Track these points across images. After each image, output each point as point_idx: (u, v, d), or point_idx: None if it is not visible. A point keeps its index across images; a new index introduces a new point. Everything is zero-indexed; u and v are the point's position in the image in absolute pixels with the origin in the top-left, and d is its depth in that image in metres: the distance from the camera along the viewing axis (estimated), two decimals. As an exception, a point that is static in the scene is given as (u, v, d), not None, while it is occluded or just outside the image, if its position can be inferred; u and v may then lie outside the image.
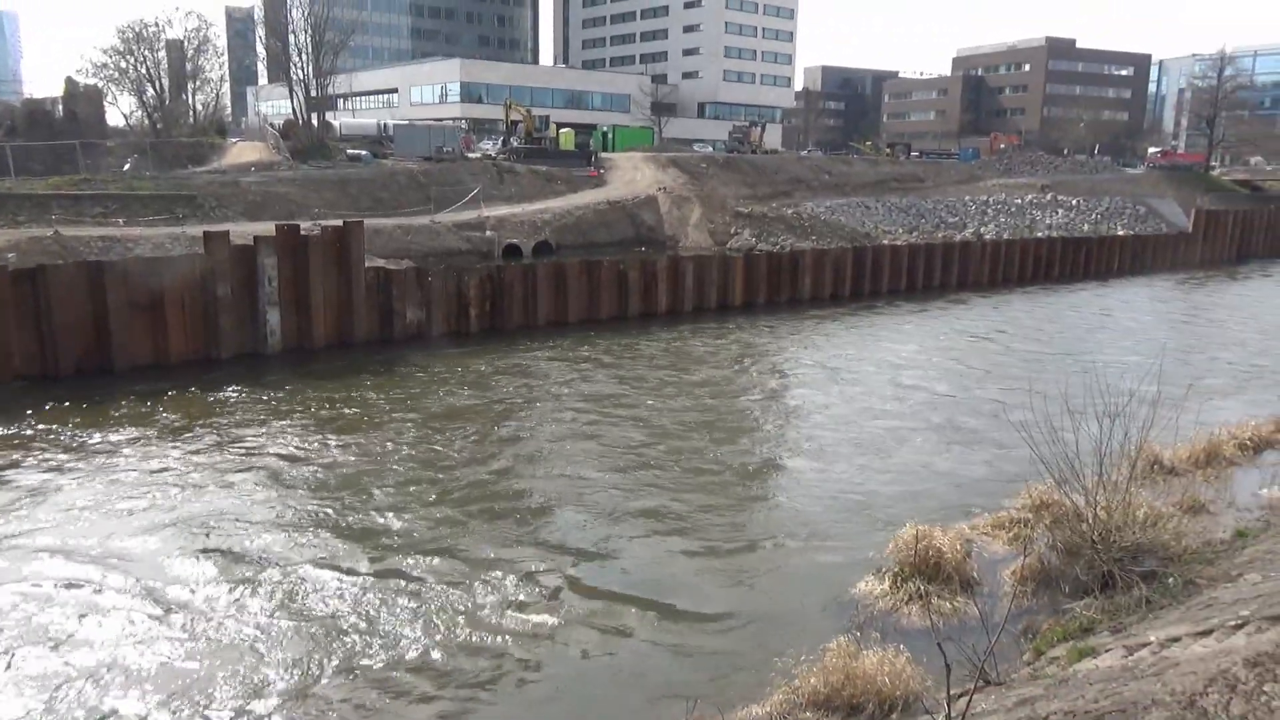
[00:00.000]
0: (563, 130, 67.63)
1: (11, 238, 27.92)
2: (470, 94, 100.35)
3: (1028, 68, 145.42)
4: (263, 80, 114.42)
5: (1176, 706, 5.24)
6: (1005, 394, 19.65)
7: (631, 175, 54.87)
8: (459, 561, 11.53)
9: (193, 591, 10.66)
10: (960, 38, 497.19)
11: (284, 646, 9.49)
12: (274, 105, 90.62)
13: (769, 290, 33.20)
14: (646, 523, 12.97)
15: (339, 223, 25.74)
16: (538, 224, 42.91)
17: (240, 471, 14.88)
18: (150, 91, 60.46)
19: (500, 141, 67.13)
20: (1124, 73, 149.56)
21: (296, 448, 16.18)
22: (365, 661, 9.23)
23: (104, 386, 19.60)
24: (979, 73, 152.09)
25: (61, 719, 8.31)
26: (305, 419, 18.07)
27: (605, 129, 78.53)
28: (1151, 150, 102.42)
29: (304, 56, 65.08)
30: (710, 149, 79.99)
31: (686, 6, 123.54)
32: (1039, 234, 52.54)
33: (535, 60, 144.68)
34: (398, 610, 10.24)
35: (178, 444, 16.22)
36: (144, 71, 59.91)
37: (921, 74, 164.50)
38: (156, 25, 61.53)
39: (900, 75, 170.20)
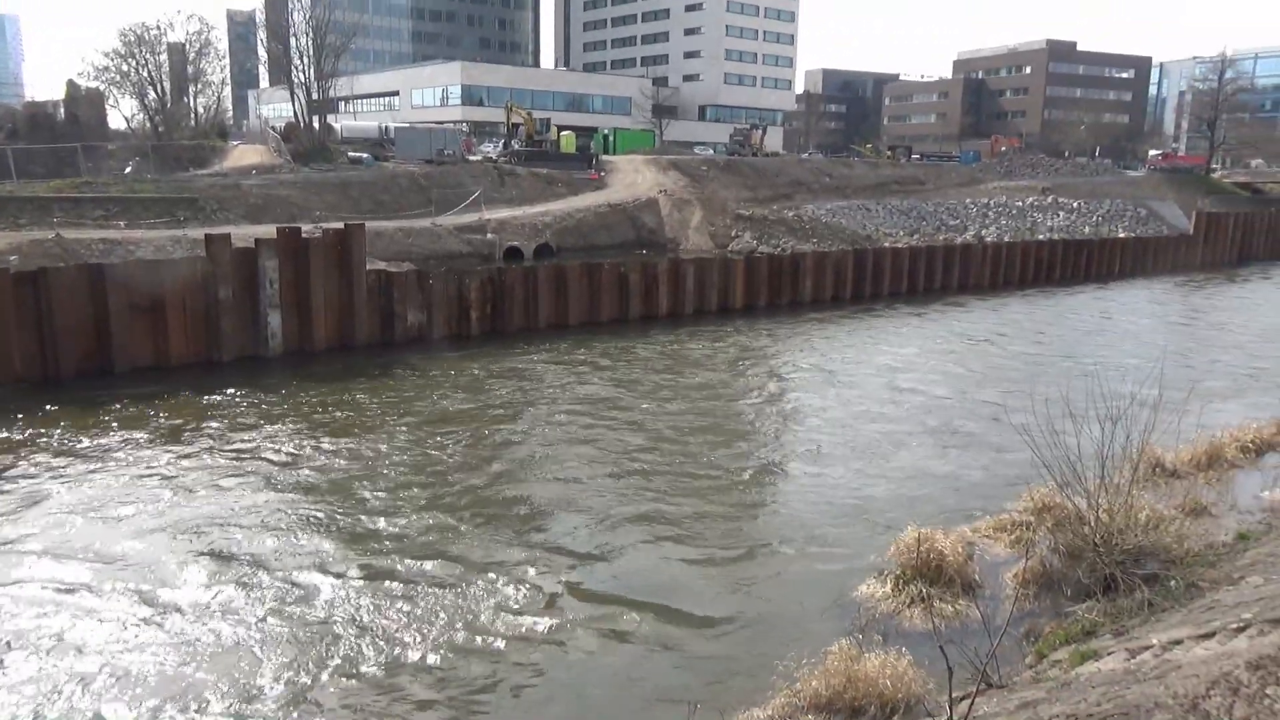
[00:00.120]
0: (564, 133, 67.62)
1: (13, 240, 27.95)
2: (471, 97, 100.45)
3: (1028, 70, 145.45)
4: (264, 83, 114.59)
5: (1179, 709, 5.23)
6: (1006, 397, 19.64)
7: (632, 178, 54.89)
8: (458, 565, 11.51)
9: (191, 595, 10.66)
10: (961, 40, 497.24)
11: (281, 651, 9.48)
12: (275, 108, 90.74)
13: (770, 293, 33.20)
14: (646, 526, 12.95)
15: (340, 225, 25.77)
16: (539, 227, 42.93)
17: (240, 474, 14.88)
18: (151, 94, 60.55)
19: (501, 144, 67.17)
20: (1125, 75, 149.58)
21: (297, 451, 16.18)
22: (362, 666, 9.22)
23: (105, 389, 19.60)
24: (980, 75, 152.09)
25: (62, 722, 8.31)
26: (306, 422, 18.06)
27: (606, 132, 78.54)
28: (1152, 153, 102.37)
29: (305, 59, 65.20)
30: (711, 152, 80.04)
31: (687, 9, 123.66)
32: (1040, 236, 52.52)
33: (536, 63, 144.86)
34: (396, 614, 10.23)
35: (178, 447, 16.22)
36: (145, 74, 60.01)
37: (922, 77, 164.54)
38: (158, 28, 61.67)
39: (901, 78, 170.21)
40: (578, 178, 53.89)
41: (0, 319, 19.54)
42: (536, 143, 62.07)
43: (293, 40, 67.25)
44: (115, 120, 64.32)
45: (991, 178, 72.97)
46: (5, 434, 16.59)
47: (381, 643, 9.62)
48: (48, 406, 18.31)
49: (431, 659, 9.36)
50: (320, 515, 13.18)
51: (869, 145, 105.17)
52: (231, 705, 8.54)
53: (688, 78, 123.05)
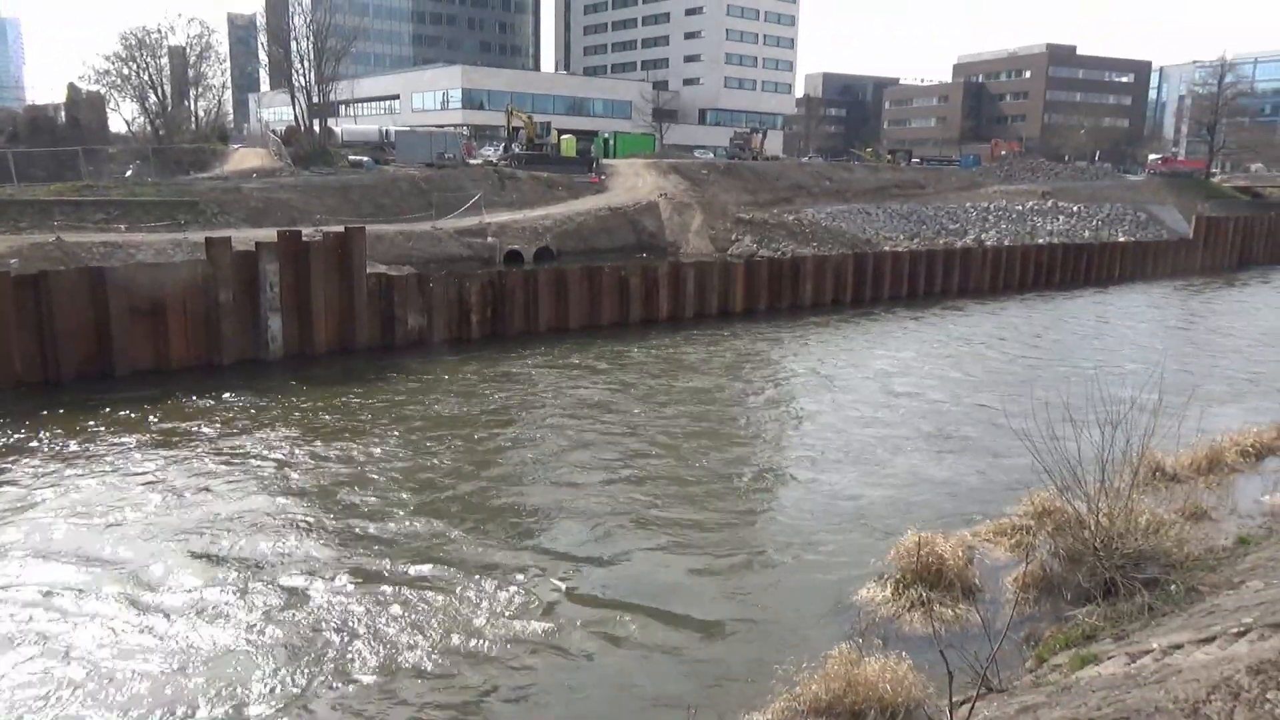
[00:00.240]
0: (564, 137, 67.61)
1: (14, 244, 27.96)
2: (472, 100, 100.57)
3: (1028, 74, 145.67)
4: (265, 87, 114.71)
5: (1179, 714, 5.22)
6: (1006, 401, 19.58)
7: (633, 181, 54.93)
8: (457, 570, 11.50)
9: (188, 599, 10.65)
10: (961, 44, 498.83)
11: (276, 655, 9.47)
12: (276, 112, 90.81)
13: (770, 297, 33.22)
14: (644, 531, 12.95)
15: (341, 229, 25.79)
16: (539, 230, 42.95)
17: (240, 478, 14.88)
18: (152, 98, 60.66)
19: (502, 148, 67.22)
20: (1124, 79, 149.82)
21: (296, 455, 16.18)
22: (358, 671, 9.21)
23: (105, 392, 19.60)
24: (980, 79, 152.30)
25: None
26: (306, 426, 18.07)
27: (606, 135, 78.66)
28: (1152, 157, 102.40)
29: (306, 63, 65.28)
30: (711, 155, 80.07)
31: (688, 13, 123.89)
32: (1040, 241, 52.56)
33: (537, 67, 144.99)
34: (393, 619, 10.21)
35: (178, 450, 16.22)
36: (146, 78, 60.12)
37: (922, 81, 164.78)
38: (159, 32, 61.79)
39: (901, 82, 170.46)
40: (578, 181, 53.93)
41: (1, 322, 19.55)
42: (537, 146, 62.11)
43: (293, 44, 67.35)
44: (116, 124, 64.56)
45: (991, 182, 73.01)
46: (5, 437, 16.58)
47: (378, 648, 9.60)
48: (48, 409, 18.31)
49: (429, 664, 9.34)
50: (319, 519, 13.18)
51: (869, 149, 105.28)
52: (226, 709, 8.53)
53: (688, 81, 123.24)
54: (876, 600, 10.23)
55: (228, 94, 79.84)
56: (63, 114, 59.61)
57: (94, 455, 15.83)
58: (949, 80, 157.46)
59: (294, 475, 15.09)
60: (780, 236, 48.00)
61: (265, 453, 16.20)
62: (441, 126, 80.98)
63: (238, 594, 10.76)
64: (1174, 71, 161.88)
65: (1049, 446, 10.34)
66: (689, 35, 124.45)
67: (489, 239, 40.31)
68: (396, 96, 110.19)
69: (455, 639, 9.78)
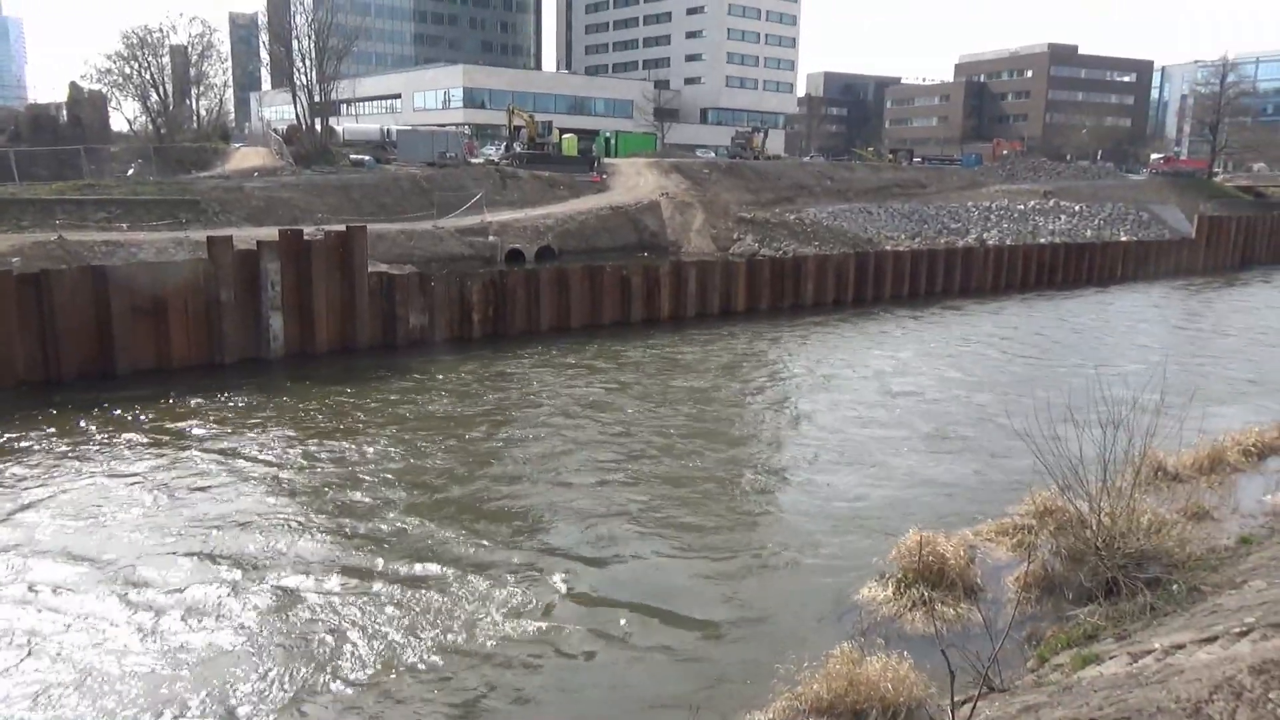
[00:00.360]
0: (565, 136, 67.66)
1: (15, 242, 27.99)
2: (473, 100, 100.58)
3: (1030, 74, 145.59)
4: (266, 86, 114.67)
5: (1182, 714, 5.22)
6: (1007, 401, 19.62)
7: (634, 181, 54.93)
8: (457, 569, 11.49)
9: (188, 598, 10.64)
10: (963, 44, 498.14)
11: (276, 654, 9.46)
12: (277, 111, 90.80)
13: (771, 296, 33.19)
14: (645, 531, 12.94)
15: (342, 228, 25.80)
16: (540, 229, 42.96)
17: (241, 478, 14.89)
18: (154, 97, 60.72)
19: (503, 147, 67.25)
20: (1126, 79, 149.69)
21: (297, 454, 16.19)
22: (359, 670, 9.20)
23: (106, 391, 19.61)
24: (981, 79, 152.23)
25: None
26: (307, 425, 18.07)
27: (608, 134, 78.64)
28: (1154, 156, 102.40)
29: (307, 62, 65.30)
30: (713, 155, 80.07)
31: (689, 13, 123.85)
32: (1042, 240, 52.53)
33: (538, 66, 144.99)
34: (392, 618, 10.20)
35: (179, 449, 16.22)
36: (148, 77, 60.19)
37: (924, 80, 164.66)
38: (160, 31, 61.88)
39: (903, 81, 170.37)
40: (579, 180, 53.94)
41: (3, 321, 19.57)
42: (538, 145, 62.13)
43: (295, 43, 67.36)
44: (118, 122, 64.63)
45: (993, 181, 72.96)
46: (7, 436, 16.59)
47: (377, 647, 9.59)
48: (49, 408, 18.33)
49: (429, 664, 9.33)
50: (320, 518, 13.18)
51: (870, 149, 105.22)
52: (226, 709, 8.53)
53: (689, 81, 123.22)
54: (878, 600, 10.22)
55: (229, 93, 79.98)
56: (64, 113, 59.67)
57: (95, 455, 15.84)
58: (951, 79, 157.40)
59: (295, 475, 15.09)
60: (782, 236, 47.99)
61: (266, 452, 16.20)
62: (443, 126, 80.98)
63: (238, 593, 10.76)
64: (1176, 71, 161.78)
65: (1050, 446, 10.34)
66: (690, 34, 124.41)
67: (490, 238, 40.32)
68: (398, 95, 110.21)
69: (456, 639, 9.77)
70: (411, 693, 8.85)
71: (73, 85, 60.47)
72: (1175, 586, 9.25)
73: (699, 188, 54.18)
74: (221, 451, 16.11)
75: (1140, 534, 9.98)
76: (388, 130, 67.20)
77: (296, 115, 65.27)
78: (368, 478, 14.90)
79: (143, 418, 18.04)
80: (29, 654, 9.35)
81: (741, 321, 30.90)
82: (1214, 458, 14.29)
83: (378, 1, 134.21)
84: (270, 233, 25.91)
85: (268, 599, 10.62)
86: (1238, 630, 7.01)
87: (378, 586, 10.95)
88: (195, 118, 66.95)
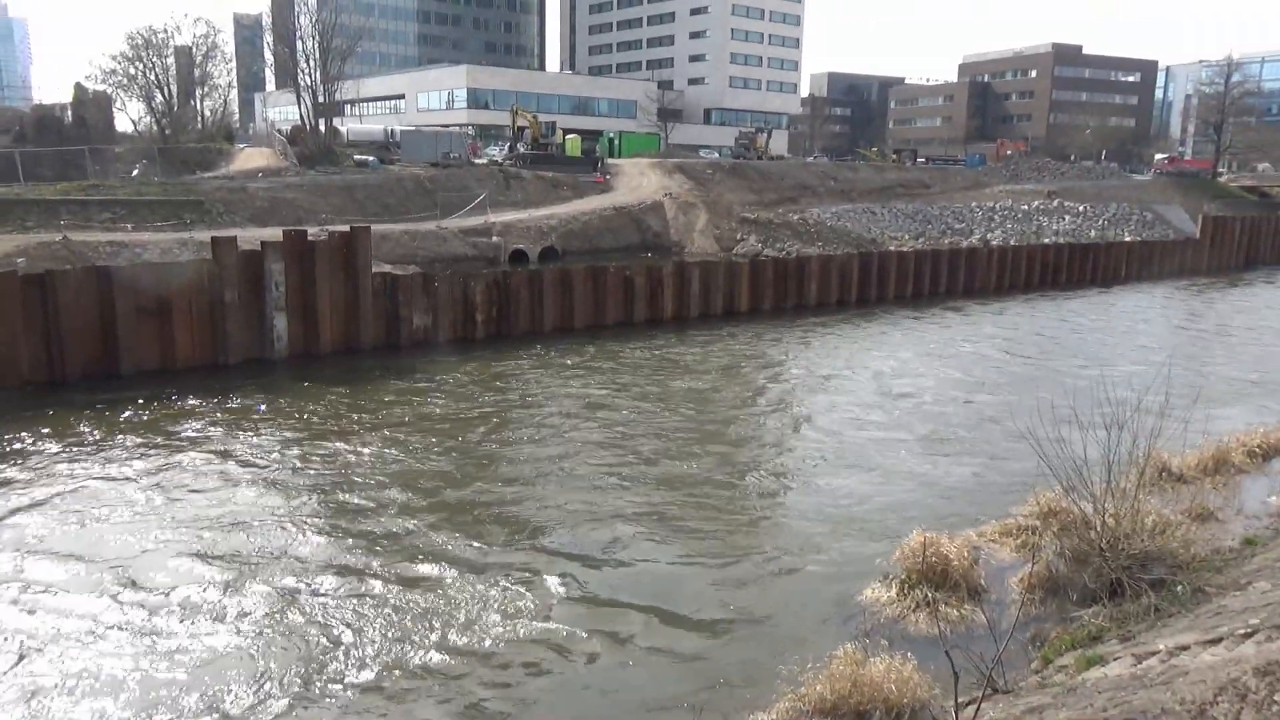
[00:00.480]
0: (569, 136, 67.67)
1: (20, 243, 28.06)
2: (477, 100, 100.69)
3: (1034, 74, 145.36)
4: (270, 86, 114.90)
5: (1186, 716, 5.21)
6: (1011, 402, 19.61)
7: (637, 181, 54.94)
8: (459, 569, 11.50)
9: (189, 598, 10.65)
10: (966, 44, 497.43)
11: (275, 655, 9.47)
12: (282, 111, 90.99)
13: (775, 296, 33.17)
14: (648, 531, 12.93)
15: (346, 228, 25.83)
16: (544, 230, 42.98)
17: (245, 478, 14.91)
18: (159, 97, 60.85)
19: (507, 147, 67.31)
20: (1131, 79, 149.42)
21: (301, 454, 16.21)
22: (358, 670, 9.20)
23: (111, 391, 19.64)
24: (985, 79, 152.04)
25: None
26: (310, 425, 18.09)
27: (611, 135, 78.69)
28: (1158, 156, 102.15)
29: (311, 63, 65.48)
30: (716, 155, 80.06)
31: (693, 13, 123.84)
32: (1045, 240, 52.43)
33: (542, 67, 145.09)
34: (393, 618, 10.21)
35: (183, 450, 16.25)
36: (152, 78, 60.33)
37: (928, 80, 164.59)
38: (165, 32, 62.09)
39: (906, 82, 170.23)
40: (583, 181, 53.96)
41: (7, 321, 19.62)
42: (542, 146, 62.16)
43: (299, 44, 67.55)
44: (122, 123, 64.78)
45: (997, 181, 72.86)
46: (11, 436, 16.63)
47: (378, 647, 9.60)
48: (54, 409, 18.37)
49: (430, 663, 9.33)
50: (322, 519, 13.20)
51: (874, 149, 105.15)
52: (226, 709, 8.54)
53: (693, 81, 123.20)
54: (881, 601, 10.21)
55: (233, 94, 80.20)
56: (69, 113, 59.79)
57: (99, 455, 15.87)
58: (954, 80, 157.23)
59: (298, 475, 15.11)
60: (785, 236, 47.97)
61: (270, 453, 16.23)
62: (447, 126, 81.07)
63: (240, 594, 10.77)
64: (1180, 71, 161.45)
65: (1054, 447, 10.32)
66: (694, 35, 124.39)
67: (494, 238, 40.35)
68: (402, 96, 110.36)
69: (457, 639, 9.78)
70: (412, 694, 8.85)
71: (78, 86, 60.63)
72: (1179, 588, 9.23)
73: (702, 188, 54.18)
74: (225, 452, 16.13)
75: (1144, 535, 9.96)
76: (392, 131, 67.30)
77: (301, 116, 65.42)
78: (370, 479, 14.92)
79: (147, 418, 18.08)
80: (29, 654, 9.37)
81: (745, 322, 30.88)
82: (1218, 459, 14.26)
83: (381, 2, 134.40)
84: (274, 233, 25.95)
85: (270, 599, 10.63)
86: (1242, 632, 7.00)
87: (379, 587, 10.96)
88: (200, 118, 67.09)
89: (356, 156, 54.60)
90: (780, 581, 11.44)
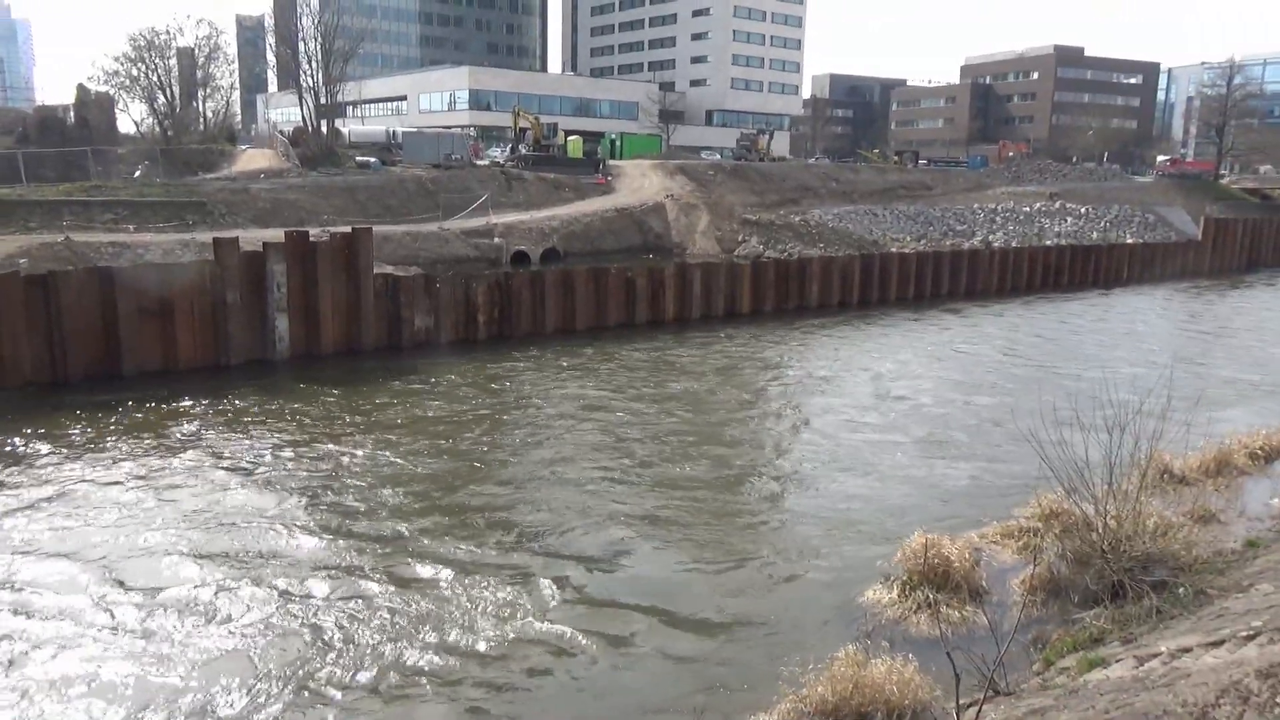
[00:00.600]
0: (571, 138, 67.73)
1: (23, 243, 28.10)
2: (479, 101, 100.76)
3: (1036, 76, 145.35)
4: (273, 88, 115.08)
5: (1188, 718, 5.20)
6: (1013, 403, 19.59)
7: (639, 182, 54.98)
8: (460, 570, 11.49)
9: (190, 599, 10.65)
10: (968, 46, 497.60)
11: (277, 654, 9.46)
12: (284, 113, 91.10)
13: (776, 298, 33.15)
14: (649, 533, 12.93)
15: (348, 229, 25.82)
16: (546, 231, 43.01)
17: (246, 479, 14.91)
18: (161, 99, 60.99)
19: (508, 149, 67.38)
20: (1133, 81, 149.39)
21: (302, 456, 16.21)
22: (358, 670, 9.20)
23: (113, 392, 19.64)
24: (987, 81, 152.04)
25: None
26: (312, 427, 18.09)
27: (613, 136, 78.74)
28: (1160, 158, 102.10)
29: (314, 64, 65.58)
30: (718, 156, 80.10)
31: (694, 15, 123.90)
32: (1047, 242, 52.41)
33: (543, 68, 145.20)
34: (394, 618, 10.21)
35: (185, 451, 16.25)
36: (155, 79, 60.49)
37: (930, 82, 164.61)
38: (168, 33, 62.27)
39: (908, 83, 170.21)
40: (584, 182, 54.02)
41: (10, 322, 19.63)
42: (543, 147, 62.22)
43: (301, 45, 67.64)
44: (125, 124, 64.92)
45: (999, 183, 72.87)
46: (13, 437, 16.64)
47: (378, 647, 9.59)
48: (56, 410, 18.38)
49: (429, 666, 9.32)
50: (324, 519, 13.19)
51: (875, 151, 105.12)
52: (226, 708, 8.54)
53: (694, 83, 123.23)
54: (883, 602, 10.20)
55: (236, 95, 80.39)
56: (72, 115, 59.95)
57: (101, 456, 15.87)
58: (956, 81, 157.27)
59: (299, 476, 15.11)
60: (787, 238, 47.98)
61: (271, 454, 16.23)
62: (448, 128, 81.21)
63: (241, 594, 10.77)
64: (1182, 73, 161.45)
65: (1056, 449, 10.32)
66: (696, 36, 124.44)
67: (495, 240, 40.38)
68: (404, 97, 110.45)
69: (458, 639, 9.78)
70: (409, 697, 8.84)
71: (80, 87, 60.79)
72: (1181, 590, 9.22)
73: (704, 189, 54.21)
74: (226, 454, 16.13)
75: (1146, 537, 9.95)
76: (393, 132, 67.37)
77: (303, 117, 65.50)
78: (371, 480, 14.92)
79: (148, 419, 18.09)
80: (29, 654, 9.37)
81: (746, 323, 30.87)
82: (1220, 460, 14.25)
83: (383, 4, 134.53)
84: (276, 234, 25.97)
85: (272, 599, 10.62)
86: (1244, 634, 6.99)
87: (380, 588, 10.96)
88: (202, 120, 67.22)
89: (358, 158, 54.69)
90: (781, 583, 11.44)
